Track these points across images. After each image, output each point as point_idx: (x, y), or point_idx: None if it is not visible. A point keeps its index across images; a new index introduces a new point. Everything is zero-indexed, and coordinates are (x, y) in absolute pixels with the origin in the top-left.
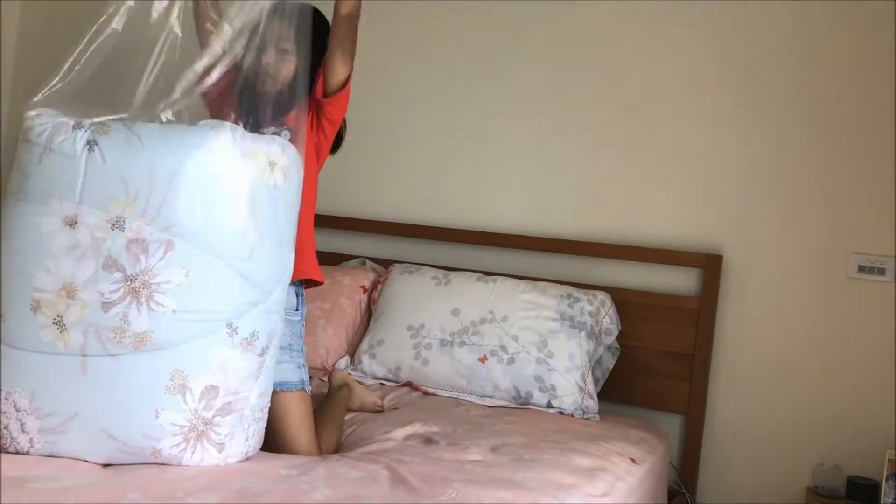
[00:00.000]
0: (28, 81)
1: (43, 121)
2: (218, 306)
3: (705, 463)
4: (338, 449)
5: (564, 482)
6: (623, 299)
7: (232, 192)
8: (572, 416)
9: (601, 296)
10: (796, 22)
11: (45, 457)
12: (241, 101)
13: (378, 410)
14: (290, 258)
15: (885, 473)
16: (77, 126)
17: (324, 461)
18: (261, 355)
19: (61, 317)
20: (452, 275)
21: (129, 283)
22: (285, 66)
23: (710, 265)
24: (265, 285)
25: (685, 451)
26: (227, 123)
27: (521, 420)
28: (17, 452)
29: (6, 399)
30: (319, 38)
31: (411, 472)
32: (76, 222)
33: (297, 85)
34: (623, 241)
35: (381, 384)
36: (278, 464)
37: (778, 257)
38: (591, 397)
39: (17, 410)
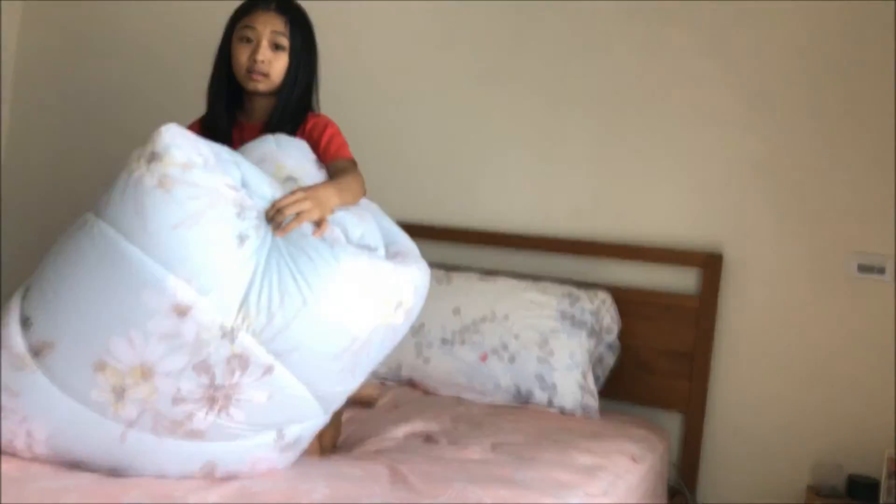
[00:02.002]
0: (29, 82)
1: (195, 177)
2: (280, 420)
3: (705, 461)
4: (337, 447)
5: (565, 481)
6: (623, 298)
7: (351, 333)
8: (573, 414)
9: (602, 294)
10: (797, 21)
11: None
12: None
13: (371, 403)
14: (362, 381)
15: (885, 472)
16: (237, 202)
17: (323, 460)
18: (297, 450)
19: (124, 390)
20: (453, 274)
21: (211, 390)
22: (279, 62)
23: (710, 264)
24: (331, 404)
25: (685, 450)
26: (365, 253)
27: (521, 418)
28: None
29: (21, 422)
30: (310, 36)
31: (412, 471)
32: (187, 314)
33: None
34: (624, 240)
35: (382, 383)
36: None
37: (778, 256)
38: (592, 396)
39: (29, 436)
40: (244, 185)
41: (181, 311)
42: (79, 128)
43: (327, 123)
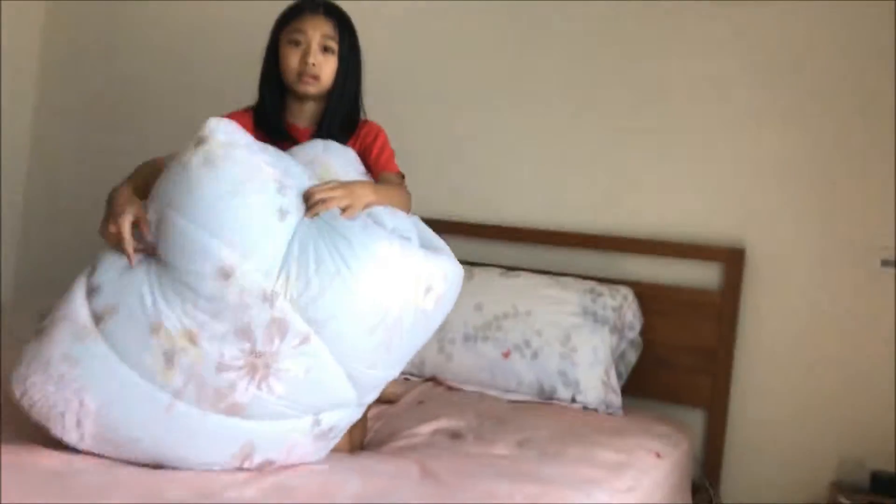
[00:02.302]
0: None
1: (238, 156)
2: (318, 403)
3: (728, 457)
4: (364, 445)
5: (591, 477)
6: (645, 294)
7: (382, 309)
8: (596, 410)
9: (623, 290)
10: (821, 18)
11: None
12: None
13: (395, 400)
14: (398, 372)
15: None
16: (276, 178)
17: (353, 456)
18: (330, 440)
19: (174, 355)
20: (475, 270)
21: (253, 357)
22: (329, 65)
23: (732, 259)
24: (367, 392)
25: (708, 446)
26: (397, 238)
27: (545, 415)
28: (61, 442)
29: (76, 391)
30: (356, 40)
31: (441, 467)
32: (231, 276)
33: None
34: (645, 235)
35: (406, 379)
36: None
37: (800, 251)
38: (615, 392)
39: (81, 406)
40: (286, 174)
41: (225, 274)
42: (103, 129)
43: (379, 132)
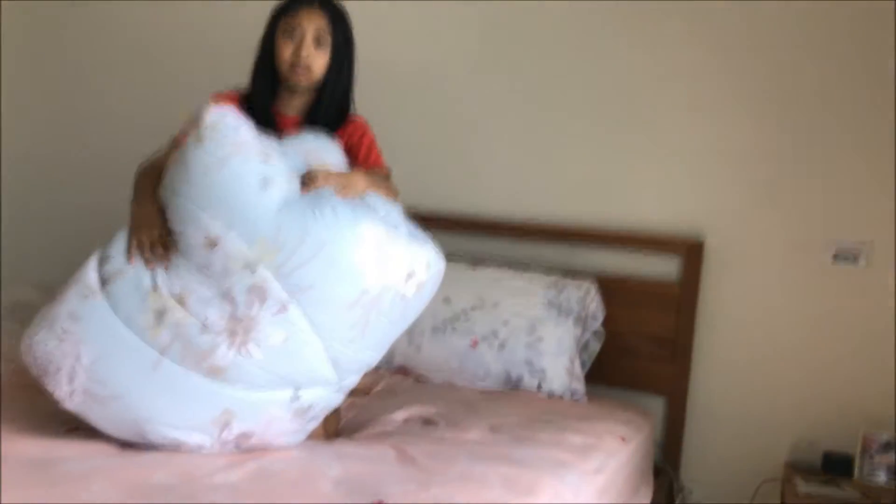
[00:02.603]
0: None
1: (223, 134)
2: (296, 376)
3: (688, 441)
4: (338, 433)
5: (562, 459)
6: (608, 285)
7: (362, 286)
8: (561, 398)
9: (587, 283)
10: (783, 13)
11: (66, 437)
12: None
13: (367, 391)
14: (377, 358)
15: (859, 448)
16: (261, 150)
17: (330, 443)
18: (308, 421)
19: (163, 314)
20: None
21: (233, 321)
22: (321, 58)
23: (691, 252)
24: (346, 373)
25: (668, 431)
26: (384, 223)
27: (513, 402)
28: (52, 397)
29: (74, 344)
30: (350, 34)
31: (417, 451)
32: (216, 245)
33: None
34: (608, 228)
35: (376, 370)
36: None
37: (757, 244)
38: (579, 380)
39: (77, 361)
40: (272, 149)
41: (212, 243)
42: (76, 126)
43: (365, 131)
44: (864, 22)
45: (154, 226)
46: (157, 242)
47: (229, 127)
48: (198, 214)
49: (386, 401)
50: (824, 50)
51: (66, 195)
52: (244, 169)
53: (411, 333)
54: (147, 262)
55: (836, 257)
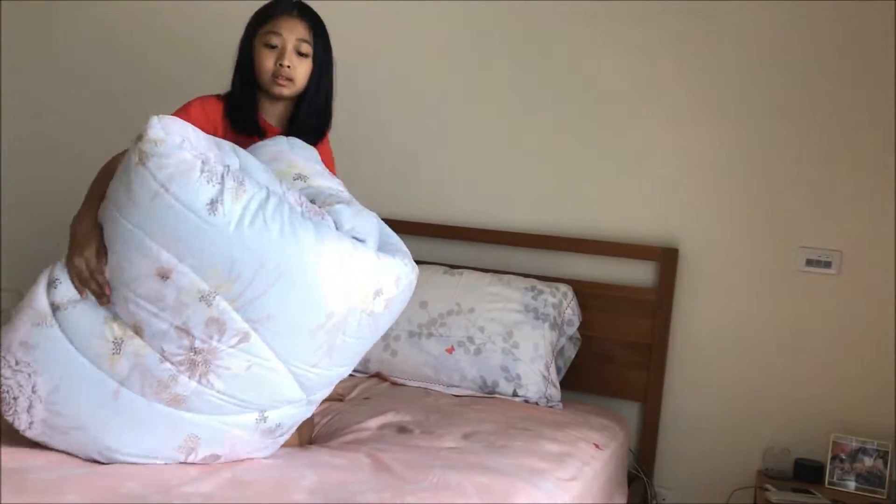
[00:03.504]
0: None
1: (166, 150)
2: (261, 400)
3: (662, 448)
4: (312, 440)
5: (536, 467)
6: (583, 291)
7: (326, 311)
8: (536, 404)
9: (563, 288)
10: (752, 21)
11: (36, 446)
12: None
13: (341, 398)
14: (349, 371)
15: (829, 455)
16: (205, 170)
17: (305, 451)
18: (277, 437)
19: (122, 343)
20: (420, 268)
21: (192, 353)
22: (303, 68)
23: (666, 258)
24: (315, 390)
25: (643, 437)
26: (349, 240)
27: (489, 408)
28: (11, 426)
29: (28, 376)
30: (328, 43)
31: (391, 458)
32: (168, 278)
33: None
34: (584, 235)
35: (351, 375)
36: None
37: (731, 251)
38: (555, 386)
39: (34, 392)
40: (242, 169)
41: (163, 275)
42: (74, 127)
43: (330, 158)
44: (829, 35)
45: (90, 248)
46: (94, 273)
47: (173, 145)
48: (147, 243)
49: (360, 407)
50: (792, 63)
51: (65, 199)
52: (188, 193)
53: (387, 339)
54: (82, 293)
55: (808, 262)
